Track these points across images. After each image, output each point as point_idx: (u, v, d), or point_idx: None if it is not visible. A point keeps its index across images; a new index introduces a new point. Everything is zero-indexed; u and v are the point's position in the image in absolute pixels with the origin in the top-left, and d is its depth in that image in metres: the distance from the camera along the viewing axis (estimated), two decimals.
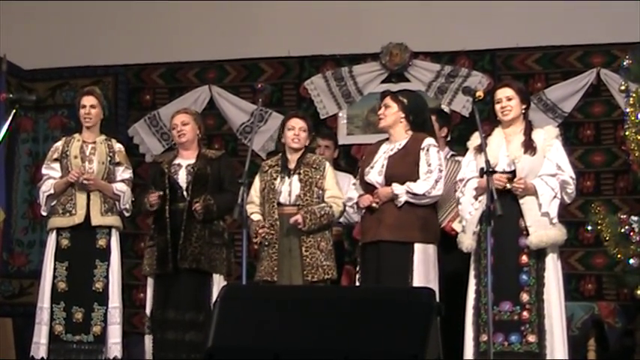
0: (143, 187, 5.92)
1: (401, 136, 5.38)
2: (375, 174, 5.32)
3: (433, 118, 6.07)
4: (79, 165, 5.74)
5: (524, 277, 5.00)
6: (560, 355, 4.93)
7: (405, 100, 5.38)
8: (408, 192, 5.19)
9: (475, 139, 5.26)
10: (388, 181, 5.25)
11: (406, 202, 5.20)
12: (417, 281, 5.12)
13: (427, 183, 5.20)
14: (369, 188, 5.32)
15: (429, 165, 5.24)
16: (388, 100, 5.40)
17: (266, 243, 5.41)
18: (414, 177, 5.23)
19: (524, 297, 4.97)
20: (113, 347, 5.67)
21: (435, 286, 5.10)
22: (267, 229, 5.41)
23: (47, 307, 5.65)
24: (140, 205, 5.75)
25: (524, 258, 5.01)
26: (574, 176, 5.11)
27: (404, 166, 5.25)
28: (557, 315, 4.97)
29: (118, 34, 7.65)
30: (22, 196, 7.74)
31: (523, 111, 5.20)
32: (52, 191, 5.74)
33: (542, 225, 5.00)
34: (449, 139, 6.22)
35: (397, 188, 5.20)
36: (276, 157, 5.71)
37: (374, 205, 5.24)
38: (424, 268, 5.17)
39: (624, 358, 6.32)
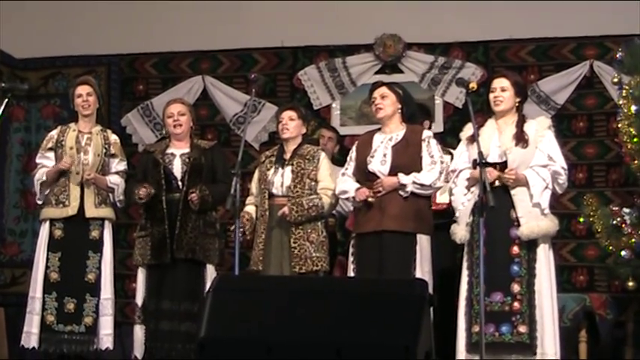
0: (134, 177, 5.92)
1: (397, 127, 5.39)
2: (377, 163, 5.31)
3: None
4: (74, 156, 5.73)
5: (516, 267, 5.01)
6: (551, 345, 4.94)
7: (400, 91, 5.40)
8: (414, 182, 5.20)
9: (468, 130, 5.27)
10: (393, 171, 5.25)
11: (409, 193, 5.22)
12: (419, 272, 5.13)
13: (432, 174, 5.23)
14: (370, 177, 5.31)
15: (432, 156, 5.27)
16: (385, 91, 5.39)
17: (241, 232, 5.42)
18: (417, 168, 5.25)
19: (515, 288, 4.98)
20: (105, 338, 5.68)
21: (429, 277, 5.12)
22: (245, 220, 5.42)
23: (39, 297, 5.66)
24: (130, 195, 5.74)
25: (516, 249, 5.02)
26: (565, 167, 5.12)
27: (408, 157, 5.27)
28: (548, 306, 4.98)
29: (111, 24, 7.63)
30: (15, 185, 7.72)
31: (517, 104, 5.20)
32: (44, 178, 5.74)
33: (533, 216, 5.01)
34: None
35: (404, 178, 5.20)
36: (275, 147, 5.73)
37: (370, 199, 5.23)
38: (421, 259, 5.18)
39: (615, 350, 6.35)
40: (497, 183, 5.00)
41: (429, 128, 6.08)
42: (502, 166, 5.06)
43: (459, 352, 5.03)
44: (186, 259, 5.56)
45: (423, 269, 5.17)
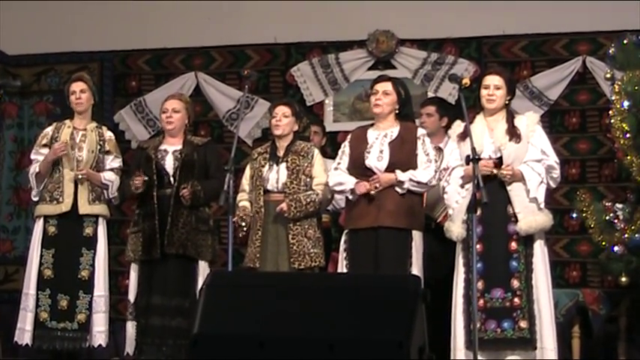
0: (127, 173, 5.92)
1: (392, 124, 5.40)
2: (374, 159, 5.31)
3: (433, 108, 6.14)
4: (69, 153, 5.72)
5: (514, 263, 5.03)
6: (549, 339, 4.98)
7: (403, 92, 5.40)
8: (411, 180, 5.21)
9: (457, 128, 5.29)
10: (390, 168, 5.25)
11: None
12: (414, 268, 5.14)
13: (429, 172, 5.25)
14: (365, 173, 5.31)
15: (427, 154, 5.29)
16: (389, 88, 5.38)
17: (245, 228, 5.42)
18: (413, 165, 5.27)
19: (515, 283, 5.00)
20: (98, 335, 5.67)
21: (421, 273, 5.13)
22: (242, 216, 5.42)
23: (33, 294, 5.65)
24: (125, 189, 5.74)
25: (514, 244, 5.04)
26: (558, 161, 5.15)
27: (404, 154, 5.28)
28: (546, 300, 5.02)
29: (104, 20, 7.61)
30: (7, 182, 7.70)
31: (507, 102, 5.22)
32: (37, 170, 5.74)
33: (530, 211, 5.03)
34: None
35: (401, 175, 5.21)
36: (267, 144, 5.73)
37: (372, 192, 5.23)
38: (416, 255, 5.19)
39: (608, 345, 6.36)
40: (494, 171, 5.00)
41: (446, 126, 6.07)
42: (497, 162, 5.07)
43: (458, 350, 5.02)
44: (178, 254, 5.55)
45: (418, 265, 5.18)
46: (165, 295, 5.54)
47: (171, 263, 5.56)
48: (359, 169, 5.34)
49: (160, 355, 5.49)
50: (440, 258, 5.48)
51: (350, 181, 5.32)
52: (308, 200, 5.42)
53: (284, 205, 5.38)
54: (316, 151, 5.61)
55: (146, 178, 5.54)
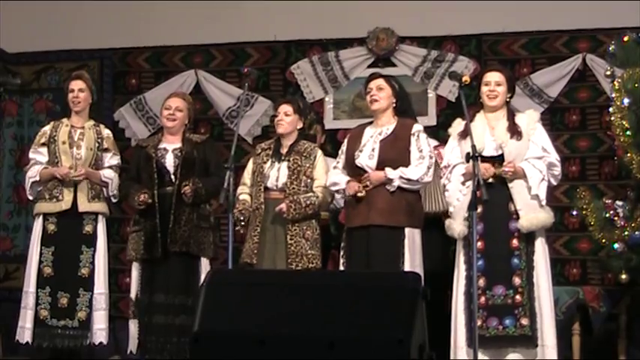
0: (127, 171, 5.92)
1: (389, 120, 5.38)
2: (365, 158, 5.30)
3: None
4: (67, 151, 5.73)
5: (516, 260, 5.03)
6: (550, 337, 4.98)
7: (397, 85, 5.39)
8: (401, 177, 5.19)
9: (457, 126, 5.28)
10: (380, 166, 5.24)
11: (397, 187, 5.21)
12: (407, 266, 5.13)
13: (420, 169, 5.22)
14: (357, 172, 5.31)
15: (421, 151, 5.26)
16: (382, 83, 5.38)
17: (243, 222, 5.42)
18: (406, 162, 5.24)
19: (517, 280, 5.00)
20: (98, 333, 5.68)
21: (420, 271, 5.12)
22: (240, 210, 5.41)
23: (33, 292, 5.65)
24: (126, 195, 5.74)
25: (515, 242, 5.04)
26: (559, 158, 5.16)
27: (395, 151, 5.26)
28: (547, 298, 5.02)
29: (104, 18, 7.61)
30: (7, 180, 7.70)
31: (507, 99, 5.22)
32: (37, 178, 5.74)
33: (532, 208, 5.03)
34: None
35: (391, 173, 5.19)
36: (271, 140, 5.72)
37: (360, 194, 5.23)
38: (411, 253, 5.18)
39: (608, 342, 6.36)
40: (490, 180, 5.00)
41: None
42: (498, 159, 5.07)
43: (459, 348, 5.02)
44: (181, 252, 5.55)
45: (413, 263, 5.17)
46: (169, 293, 5.54)
47: (173, 261, 5.57)
48: (352, 168, 5.35)
49: (165, 353, 5.49)
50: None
51: (343, 181, 5.33)
52: (308, 202, 5.41)
53: (283, 206, 5.38)
54: (319, 153, 5.60)
55: (150, 201, 5.55)
